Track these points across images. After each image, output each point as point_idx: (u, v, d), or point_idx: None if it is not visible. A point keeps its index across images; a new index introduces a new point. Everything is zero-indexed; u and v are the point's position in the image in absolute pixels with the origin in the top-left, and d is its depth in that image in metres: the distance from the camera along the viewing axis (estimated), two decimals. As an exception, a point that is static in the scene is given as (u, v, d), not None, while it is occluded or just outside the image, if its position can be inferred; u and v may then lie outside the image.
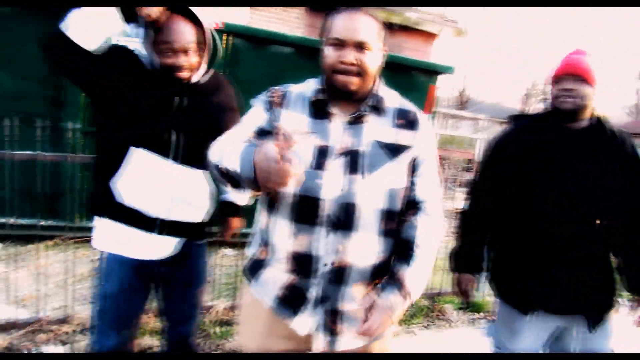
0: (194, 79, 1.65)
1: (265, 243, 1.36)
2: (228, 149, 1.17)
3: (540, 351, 1.79)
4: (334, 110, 1.32)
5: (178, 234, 1.68)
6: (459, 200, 6.22)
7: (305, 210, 1.24)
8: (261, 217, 1.39)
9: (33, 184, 2.73)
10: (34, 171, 2.69)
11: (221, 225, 2.02)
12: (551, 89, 1.71)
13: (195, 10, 1.58)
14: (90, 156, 2.62)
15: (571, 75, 1.64)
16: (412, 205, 1.34)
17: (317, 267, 1.27)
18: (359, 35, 1.25)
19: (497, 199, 1.77)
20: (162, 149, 1.59)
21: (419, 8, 8.56)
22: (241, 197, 1.91)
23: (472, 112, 13.83)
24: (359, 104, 1.32)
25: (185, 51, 1.56)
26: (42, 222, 2.52)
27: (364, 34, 1.26)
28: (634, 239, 1.69)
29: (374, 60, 1.29)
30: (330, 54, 1.28)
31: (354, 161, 1.27)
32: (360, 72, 1.27)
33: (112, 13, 1.45)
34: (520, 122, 1.83)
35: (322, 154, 1.27)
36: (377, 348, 1.39)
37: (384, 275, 1.31)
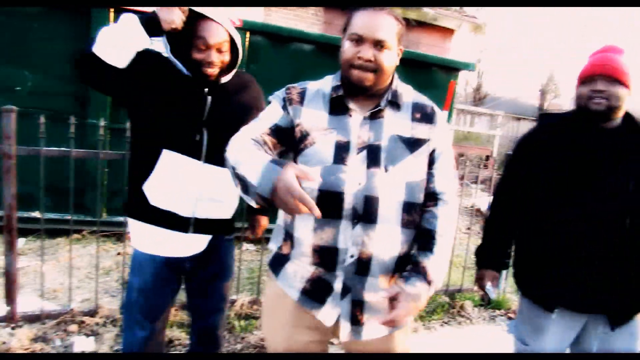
0: (224, 80, 1.69)
1: (289, 237, 1.38)
2: (247, 155, 1.19)
3: (567, 351, 1.78)
4: (352, 105, 1.35)
5: (210, 231, 1.73)
6: (477, 197, 6.16)
7: (328, 205, 1.26)
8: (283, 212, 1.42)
9: (60, 180, 2.81)
10: (62, 167, 2.77)
11: (251, 224, 2.07)
12: (579, 88, 1.65)
13: (217, 10, 1.61)
14: (118, 152, 2.69)
15: (604, 75, 1.57)
16: (431, 197, 1.37)
17: (342, 259, 1.30)
18: (378, 33, 1.28)
19: (524, 196, 1.76)
20: (193, 150, 1.63)
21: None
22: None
23: (489, 108, 13.64)
24: (377, 99, 1.35)
25: (218, 49, 1.60)
26: (69, 217, 2.59)
27: (384, 32, 1.28)
28: None
29: (390, 59, 1.32)
30: (348, 49, 1.30)
31: (374, 155, 1.30)
32: (376, 70, 1.29)
33: (137, 29, 1.50)
34: (549, 120, 1.81)
35: (343, 149, 1.30)
36: (400, 336, 1.43)
37: (406, 265, 1.34)
